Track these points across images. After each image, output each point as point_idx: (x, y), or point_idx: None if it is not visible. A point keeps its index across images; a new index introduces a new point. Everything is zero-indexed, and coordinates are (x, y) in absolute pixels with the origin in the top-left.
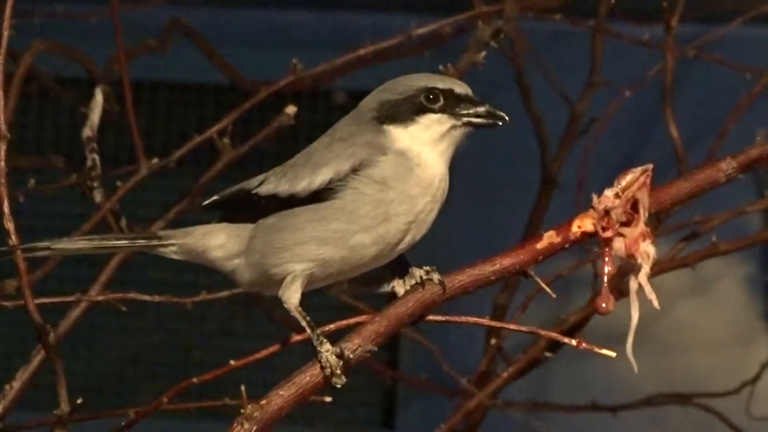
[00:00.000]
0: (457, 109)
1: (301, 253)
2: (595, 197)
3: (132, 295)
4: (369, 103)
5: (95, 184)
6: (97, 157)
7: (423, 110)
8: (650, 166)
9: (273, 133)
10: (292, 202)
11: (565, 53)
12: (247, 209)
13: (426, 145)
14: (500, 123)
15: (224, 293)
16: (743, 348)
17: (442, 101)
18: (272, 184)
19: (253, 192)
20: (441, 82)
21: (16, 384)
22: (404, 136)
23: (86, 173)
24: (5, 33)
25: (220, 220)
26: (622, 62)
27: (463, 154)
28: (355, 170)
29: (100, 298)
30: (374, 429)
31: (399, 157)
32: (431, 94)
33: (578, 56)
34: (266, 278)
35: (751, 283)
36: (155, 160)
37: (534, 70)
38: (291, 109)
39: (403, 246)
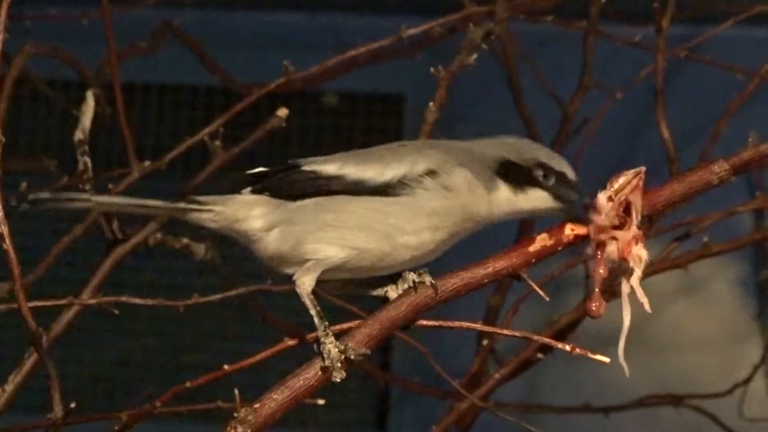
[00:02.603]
0: (563, 194)
1: (349, 236)
2: (588, 200)
3: (124, 298)
4: (492, 151)
5: (87, 187)
6: (88, 159)
7: (534, 184)
8: (642, 168)
9: (264, 135)
10: (356, 187)
11: (556, 55)
12: (292, 184)
13: (515, 213)
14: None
15: (216, 296)
16: (735, 349)
17: (553, 182)
18: (336, 165)
19: (308, 169)
20: (558, 164)
21: (9, 387)
22: (507, 196)
23: (78, 176)
24: (0, 36)
25: (255, 192)
26: (614, 64)
27: None
28: (429, 173)
29: (93, 301)
30: (367, 431)
31: (471, 177)
32: (546, 171)
33: (569, 58)
34: (296, 252)
35: (743, 283)
36: (147, 163)
37: (525, 72)
38: (282, 112)
39: (423, 260)
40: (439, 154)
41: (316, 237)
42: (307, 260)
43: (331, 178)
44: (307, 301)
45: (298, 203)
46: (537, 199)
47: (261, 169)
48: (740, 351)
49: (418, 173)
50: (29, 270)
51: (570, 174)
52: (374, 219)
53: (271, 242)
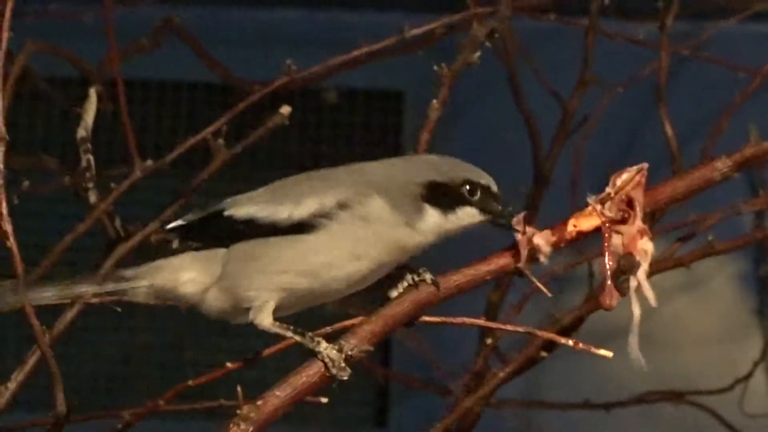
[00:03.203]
0: (488, 207)
1: (276, 281)
2: (593, 196)
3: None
4: (416, 175)
5: (89, 185)
6: (91, 157)
7: (462, 202)
8: (645, 165)
9: (266, 133)
10: (271, 230)
11: (557, 51)
12: (217, 233)
13: (446, 233)
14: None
15: None
16: (736, 345)
17: (478, 196)
18: (251, 208)
19: (227, 215)
20: (482, 178)
21: (12, 385)
22: (437, 221)
23: (80, 174)
24: (5, 35)
25: (184, 244)
26: (616, 61)
27: (456, 152)
28: (341, 205)
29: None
30: (367, 428)
31: (388, 206)
32: (472, 187)
33: (570, 55)
34: (236, 304)
35: (744, 280)
36: (149, 162)
37: (526, 69)
38: (285, 110)
39: (365, 285)
40: (354, 184)
41: (248, 286)
42: (249, 307)
43: (246, 223)
44: (278, 331)
45: (224, 255)
46: (466, 216)
47: (180, 222)
48: (741, 347)
49: (330, 206)
50: (32, 268)
51: (493, 187)
52: (295, 259)
53: (212, 304)
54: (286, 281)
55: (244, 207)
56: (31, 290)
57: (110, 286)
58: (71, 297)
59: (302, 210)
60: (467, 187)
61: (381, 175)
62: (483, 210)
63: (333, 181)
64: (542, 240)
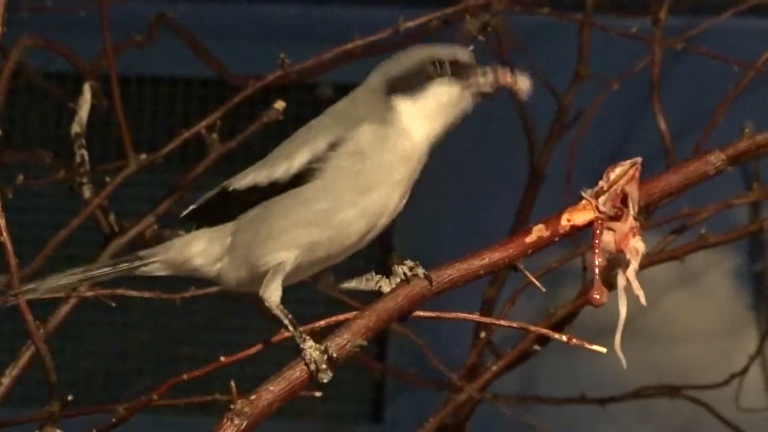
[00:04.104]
0: (464, 76)
1: (288, 239)
2: (588, 190)
3: (121, 290)
4: (374, 79)
5: (84, 180)
6: (85, 152)
7: (429, 79)
8: (639, 159)
9: (260, 127)
10: (273, 189)
11: (552, 46)
12: (225, 208)
13: (429, 118)
14: (521, 88)
15: (213, 288)
16: (732, 340)
17: (447, 69)
18: (251, 176)
19: (231, 189)
20: (443, 51)
21: (6, 380)
22: (410, 107)
23: (75, 169)
24: None
25: (198, 227)
26: (610, 55)
27: (450, 147)
28: (332, 146)
29: (90, 293)
30: (363, 423)
31: (374, 126)
32: (436, 62)
33: (565, 49)
34: (253, 272)
35: (740, 274)
36: (143, 156)
37: (521, 63)
38: (279, 104)
39: (386, 220)
40: (340, 122)
41: (262, 251)
42: (266, 272)
43: (250, 191)
44: (278, 313)
45: (232, 227)
46: (440, 92)
47: (192, 207)
48: (736, 341)
49: (322, 151)
50: (26, 262)
51: (461, 57)
52: (301, 211)
53: (227, 273)
54: (298, 236)
55: (244, 178)
56: (48, 278)
57: (124, 266)
58: (89, 279)
59: (297, 161)
60: (432, 66)
61: (360, 100)
62: (458, 81)
63: (320, 127)
64: (524, 80)
